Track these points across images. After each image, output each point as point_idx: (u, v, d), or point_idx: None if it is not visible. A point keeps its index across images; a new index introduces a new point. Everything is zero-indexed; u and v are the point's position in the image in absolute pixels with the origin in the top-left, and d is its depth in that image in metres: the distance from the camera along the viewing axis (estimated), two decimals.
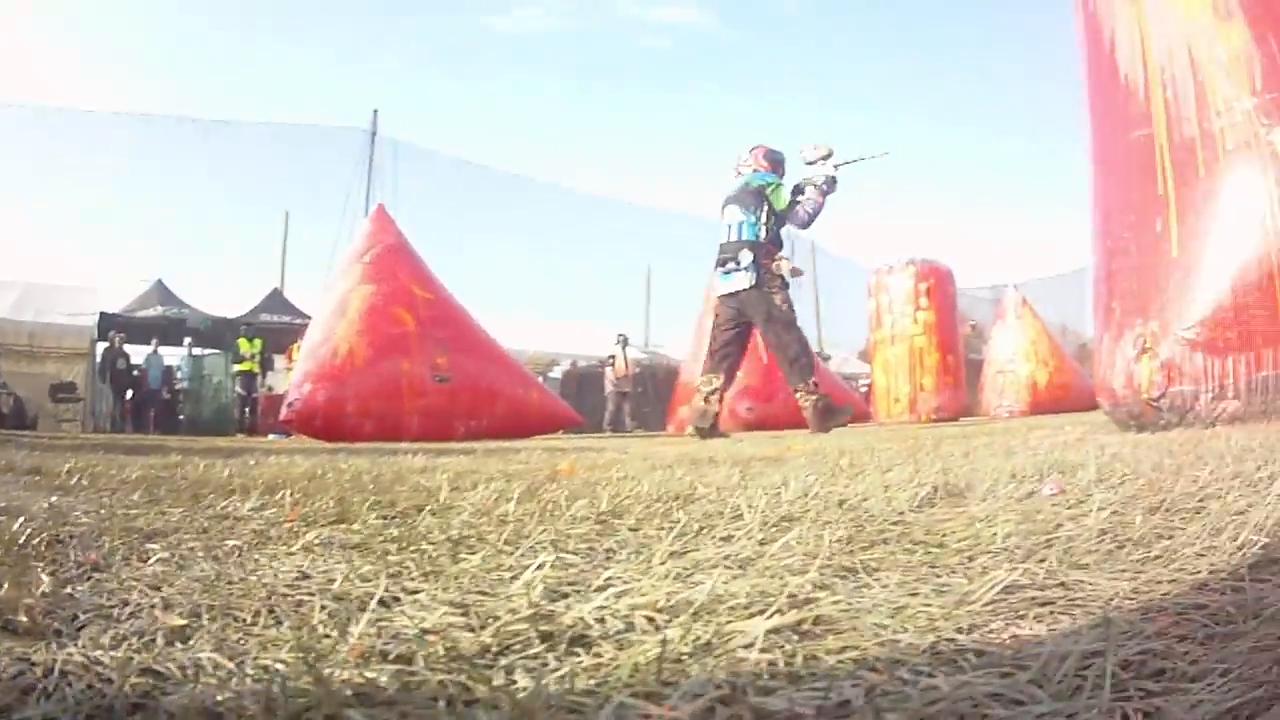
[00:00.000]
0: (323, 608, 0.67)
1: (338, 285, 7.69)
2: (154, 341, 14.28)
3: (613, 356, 16.34)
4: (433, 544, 0.98)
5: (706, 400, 5.58)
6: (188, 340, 14.56)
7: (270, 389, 14.24)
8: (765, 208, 5.57)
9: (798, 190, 5.65)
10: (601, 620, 0.61)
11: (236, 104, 55.52)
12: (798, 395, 5.48)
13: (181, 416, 14.55)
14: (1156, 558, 0.83)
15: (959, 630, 0.59)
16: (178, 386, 14.88)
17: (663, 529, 1.04)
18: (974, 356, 21.19)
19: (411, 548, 0.96)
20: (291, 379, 8.14)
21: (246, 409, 13.59)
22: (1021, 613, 0.64)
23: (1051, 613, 0.64)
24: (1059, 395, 11.93)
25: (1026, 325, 12.81)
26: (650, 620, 0.60)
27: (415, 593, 0.73)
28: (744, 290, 5.50)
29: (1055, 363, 12.39)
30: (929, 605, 0.65)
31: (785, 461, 2.30)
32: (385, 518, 1.22)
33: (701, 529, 1.05)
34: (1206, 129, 3.19)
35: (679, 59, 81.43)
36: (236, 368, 13.74)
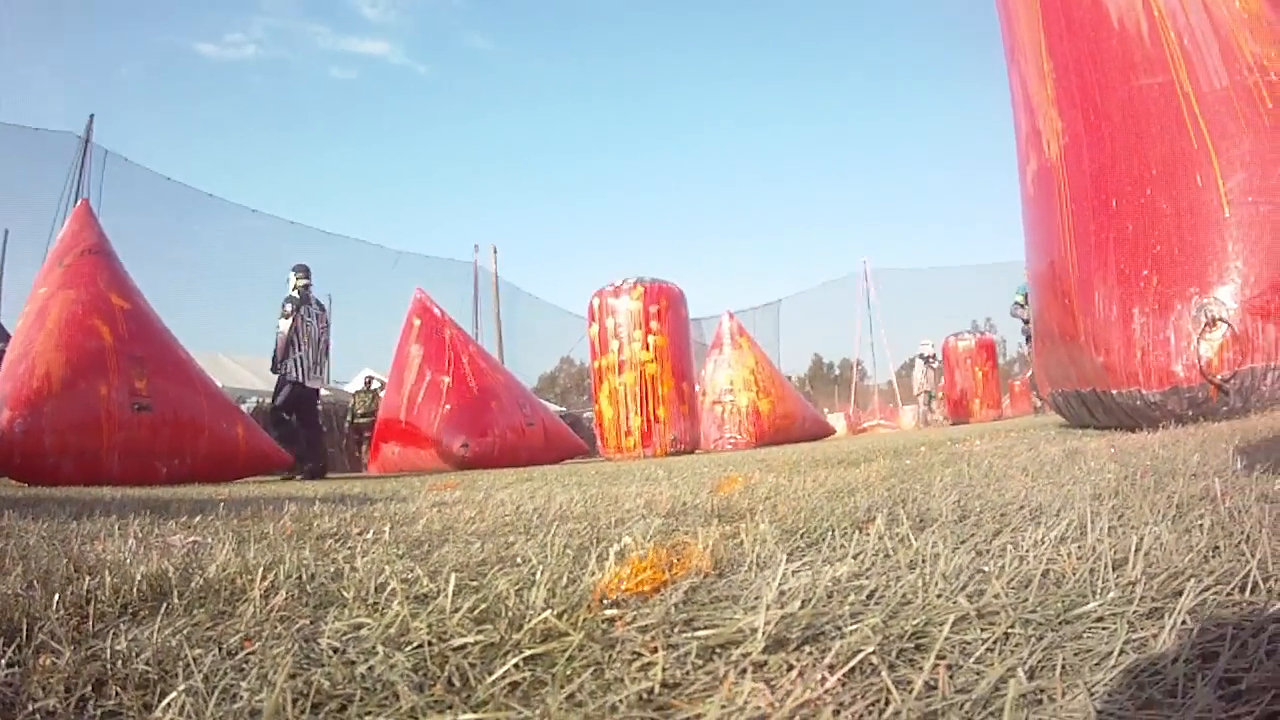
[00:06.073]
0: None
1: (39, 291, 6.82)
2: None
3: None
4: None
5: None
6: None
7: None
8: None
9: None
10: None
11: None
12: None
13: None
14: None
15: None
16: None
17: None
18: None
19: None
20: None
21: None
22: None
23: None
24: (783, 425, 12.29)
25: (745, 353, 12.83)
26: None
27: None
28: None
29: (777, 391, 12.70)
30: None
31: None
32: None
33: None
34: (1239, 82, 2.85)
35: (368, 89, 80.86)
36: None
